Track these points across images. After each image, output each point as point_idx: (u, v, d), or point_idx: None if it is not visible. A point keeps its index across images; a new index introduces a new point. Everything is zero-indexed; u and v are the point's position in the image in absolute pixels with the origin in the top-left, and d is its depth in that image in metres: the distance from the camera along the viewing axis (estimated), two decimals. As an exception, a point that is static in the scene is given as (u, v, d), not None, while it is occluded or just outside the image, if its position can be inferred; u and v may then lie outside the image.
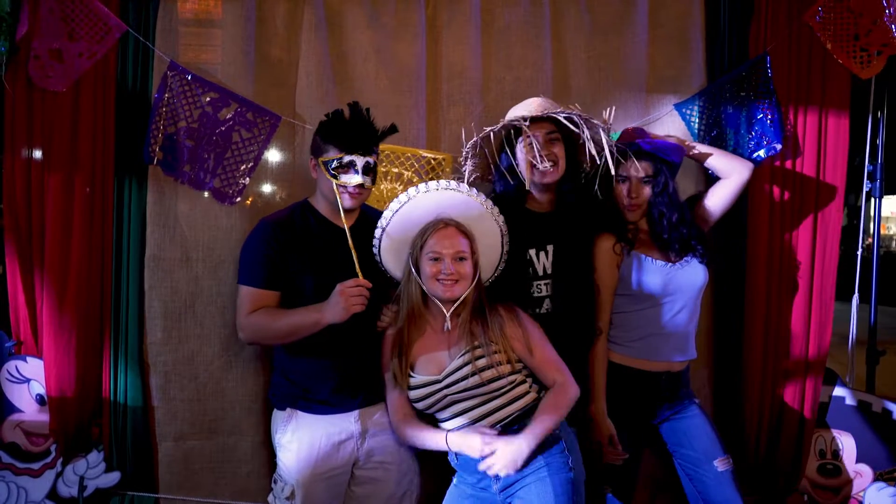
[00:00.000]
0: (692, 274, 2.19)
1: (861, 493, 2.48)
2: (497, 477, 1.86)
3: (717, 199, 2.31)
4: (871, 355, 2.69)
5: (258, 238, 2.01)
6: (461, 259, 1.92)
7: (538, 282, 2.16)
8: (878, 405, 2.51)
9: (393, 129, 2.07)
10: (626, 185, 2.19)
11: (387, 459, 2.08)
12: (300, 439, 2.02)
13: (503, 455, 1.79)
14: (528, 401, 1.92)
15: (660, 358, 2.18)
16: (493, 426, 1.88)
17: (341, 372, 2.04)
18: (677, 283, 2.17)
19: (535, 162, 2.06)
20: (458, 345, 1.93)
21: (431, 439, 1.93)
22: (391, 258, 2.04)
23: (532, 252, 2.15)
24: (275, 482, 2.08)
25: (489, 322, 1.92)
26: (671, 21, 2.55)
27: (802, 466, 2.54)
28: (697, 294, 2.22)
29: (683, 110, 2.53)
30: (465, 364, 1.89)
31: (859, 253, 2.68)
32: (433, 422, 1.99)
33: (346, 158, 1.94)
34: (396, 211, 1.95)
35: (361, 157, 1.96)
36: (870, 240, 3.18)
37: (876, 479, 2.47)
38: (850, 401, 2.54)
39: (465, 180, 2.17)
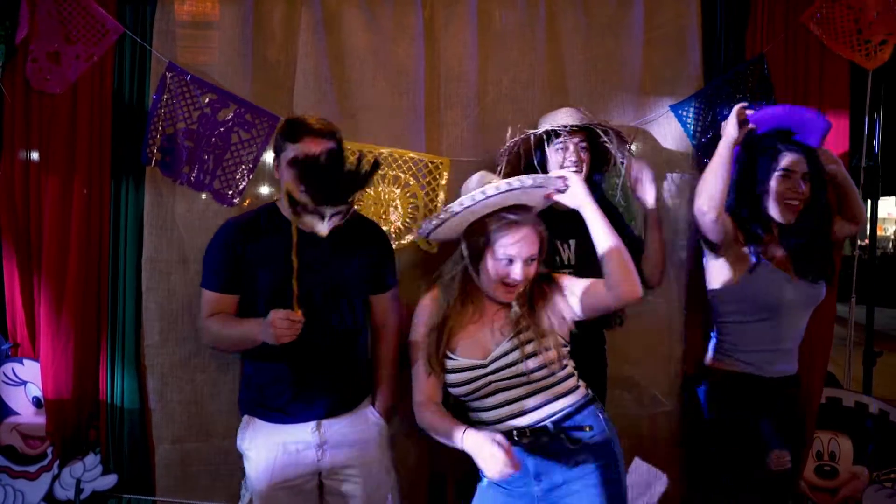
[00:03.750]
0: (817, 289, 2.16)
1: (859, 495, 2.48)
2: (539, 478, 1.76)
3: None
4: (868, 357, 2.70)
5: (219, 241, 1.97)
6: (531, 261, 1.79)
7: (562, 270, 2.20)
8: (874, 406, 2.51)
9: (377, 167, 1.76)
10: (787, 180, 2.07)
11: (354, 473, 1.97)
12: (257, 447, 1.95)
13: (572, 193, 1.82)
14: (578, 396, 1.80)
15: (773, 372, 2.15)
16: (541, 421, 1.75)
17: (297, 380, 1.92)
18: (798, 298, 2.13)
19: (565, 165, 2.20)
20: (502, 328, 1.80)
21: (448, 433, 1.70)
22: (444, 231, 1.90)
23: (557, 243, 2.25)
24: (244, 489, 2.03)
25: (535, 308, 1.81)
26: (668, 23, 2.54)
27: (801, 468, 2.52)
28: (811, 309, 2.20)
29: (679, 112, 2.52)
30: (514, 349, 1.75)
31: (856, 254, 2.66)
32: (461, 412, 1.84)
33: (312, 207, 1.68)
34: (480, 202, 1.76)
35: (332, 208, 1.66)
36: (866, 241, 3.17)
37: (873, 480, 2.47)
38: (847, 402, 2.54)
39: (500, 177, 2.13)
